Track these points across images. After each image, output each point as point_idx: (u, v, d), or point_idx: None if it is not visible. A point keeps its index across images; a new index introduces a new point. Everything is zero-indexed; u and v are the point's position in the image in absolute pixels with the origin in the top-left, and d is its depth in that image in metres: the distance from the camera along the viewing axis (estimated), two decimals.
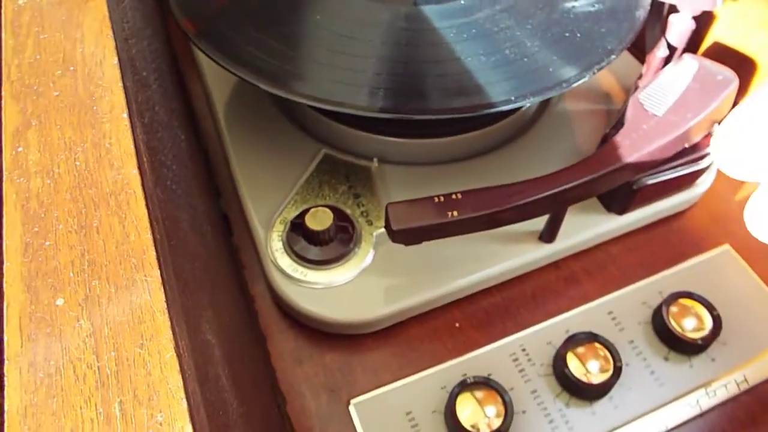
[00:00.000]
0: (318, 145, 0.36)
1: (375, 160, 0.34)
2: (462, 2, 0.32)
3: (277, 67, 0.30)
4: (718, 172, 0.37)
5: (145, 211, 0.16)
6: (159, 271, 0.15)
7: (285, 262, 0.31)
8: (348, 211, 0.33)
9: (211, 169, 0.39)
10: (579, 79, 0.29)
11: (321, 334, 0.31)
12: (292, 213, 0.33)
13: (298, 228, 0.31)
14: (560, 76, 0.29)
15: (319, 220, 0.31)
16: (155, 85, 0.28)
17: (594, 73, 0.29)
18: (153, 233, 0.16)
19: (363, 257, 0.31)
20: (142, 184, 0.17)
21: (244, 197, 0.34)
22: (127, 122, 0.18)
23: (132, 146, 0.18)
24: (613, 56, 0.30)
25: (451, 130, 0.34)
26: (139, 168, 0.17)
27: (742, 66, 0.38)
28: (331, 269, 0.31)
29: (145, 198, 0.17)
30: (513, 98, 0.28)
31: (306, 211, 0.32)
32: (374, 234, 0.32)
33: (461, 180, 0.35)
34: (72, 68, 0.19)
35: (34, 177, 0.17)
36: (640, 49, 0.39)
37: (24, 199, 0.16)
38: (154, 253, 0.15)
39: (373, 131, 0.34)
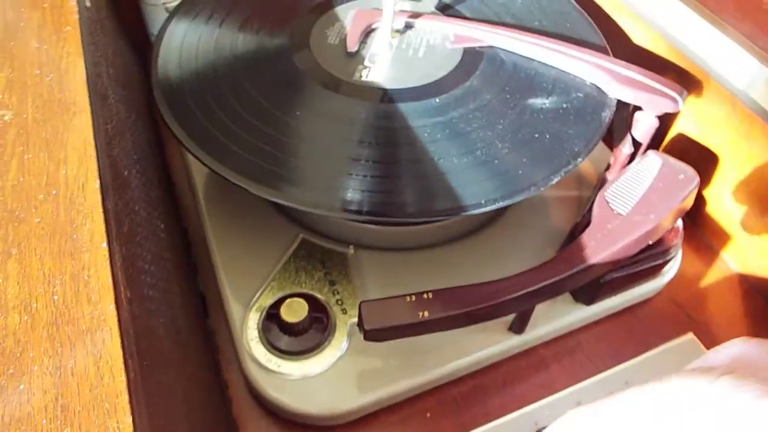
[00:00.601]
0: (296, 229, 0.37)
1: (351, 247, 0.35)
2: (437, 101, 0.34)
3: (252, 164, 0.31)
4: (682, 261, 0.38)
5: (120, 351, 0.17)
6: (131, 418, 0.15)
7: (260, 351, 0.31)
8: (323, 299, 0.33)
9: (189, 246, 0.40)
10: (547, 183, 0.30)
11: (295, 423, 0.32)
12: (268, 300, 0.33)
13: (273, 317, 0.32)
14: (529, 179, 0.30)
15: (294, 311, 0.31)
16: (136, 179, 0.29)
17: (561, 176, 0.31)
18: (127, 373, 0.16)
19: (337, 346, 0.32)
20: (119, 320, 0.17)
21: (222, 283, 0.34)
22: (105, 252, 0.19)
23: (110, 279, 0.18)
24: (579, 159, 0.32)
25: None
26: (116, 301, 0.18)
27: (705, 159, 0.40)
28: (305, 359, 0.31)
29: (121, 335, 0.17)
30: (483, 201, 0.29)
31: (281, 300, 0.32)
32: (348, 323, 0.32)
33: (436, 267, 0.36)
34: (54, 192, 0.20)
35: (11, 312, 0.17)
36: (610, 135, 0.41)
37: (0, 336, 0.17)
38: (127, 398, 0.16)
39: (350, 219, 0.35)
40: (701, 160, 0.40)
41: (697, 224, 0.42)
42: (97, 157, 0.21)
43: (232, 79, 0.34)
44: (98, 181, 0.20)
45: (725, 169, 0.39)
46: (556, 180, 0.31)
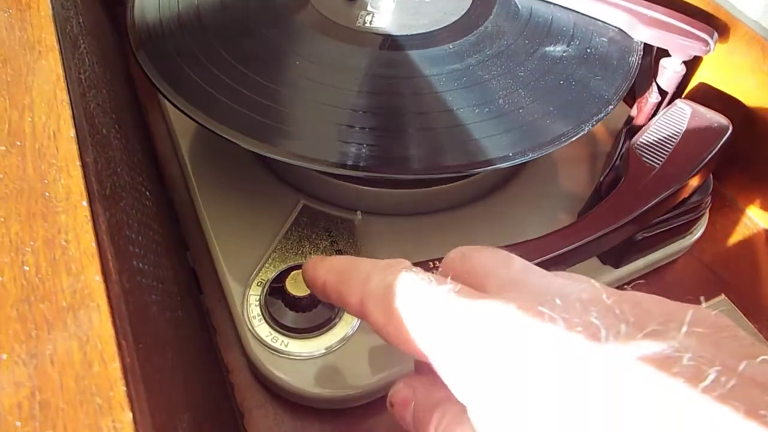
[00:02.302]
0: (296, 194, 0.33)
1: (358, 213, 0.32)
2: (451, 47, 0.30)
3: (243, 116, 0.27)
4: (710, 218, 0.36)
5: (112, 330, 0.13)
6: (131, 415, 0.12)
7: (263, 330, 0.28)
8: None
9: (177, 218, 0.36)
10: (578, 133, 0.27)
11: (304, 407, 0.29)
12: (270, 273, 0.30)
13: (277, 292, 0.29)
14: (558, 129, 0.27)
15: (301, 284, 0.28)
16: (116, 140, 0.26)
17: (593, 125, 0.28)
18: (122, 359, 0.13)
19: (349, 322, 0.29)
20: (107, 294, 0.14)
21: (217, 256, 0.31)
22: (86, 212, 0.15)
23: (94, 243, 0.15)
24: (610, 106, 0.29)
25: (442, 178, 0.32)
26: (103, 271, 0.14)
27: (730, 109, 0.37)
28: (314, 337, 0.28)
29: (111, 311, 0.14)
30: (511, 154, 0.26)
31: (285, 273, 0.29)
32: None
33: (453, 231, 0.33)
34: (19, 143, 0.16)
35: None
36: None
37: None
38: (124, 389, 0.12)
39: (356, 181, 0.32)
40: (725, 110, 0.37)
41: (720, 180, 0.40)
42: (71, 103, 0.18)
43: (220, 24, 0.31)
44: (73, 130, 0.17)
45: (752, 120, 0.37)
46: (587, 129, 0.28)
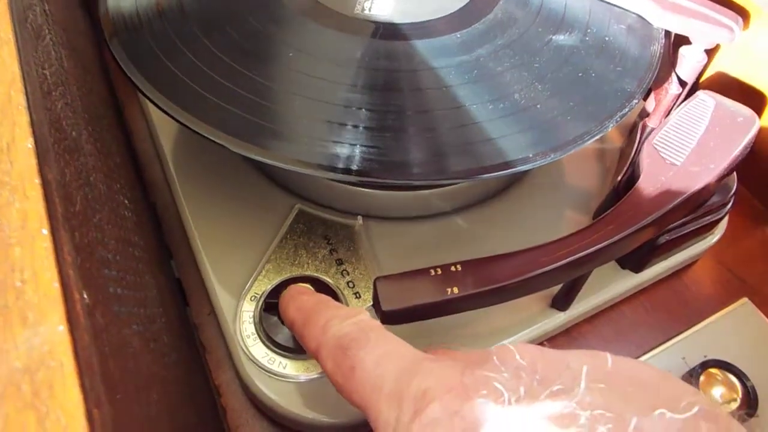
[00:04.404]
0: (291, 198, 0.31)
1: (359, 218, 0.29)
2: (458, 36, 0.28)
3: (231, 116, 0.24)
4: (730, 217, 0.34)
5: (80, 396, 0.11)
6: None
7: (259, 351, 0.26)
8: (331, 282, 0.28)
9: (160, 224, 0.34)
10: (602, 130, 0.25)
11: None
12: (264, 286, 0.27)
13: (272, 307, 0.26)
14: (580, 126, 0.25)
15: None
16: (89, 144, 0.23)
17: (617, 122, 0.25)
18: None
19: None
20: (73, 346, 0.11)
21: (205, 267, 0.28)
22: (48, 242, 0.13)
23: (56, 283, 0.12)
24: (635, 101, 0.26)
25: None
26: (68, 317, 0.12)
27: (750, 101, 0.35)
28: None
29: (78, 371, 0.11)
30: (531, 155, 0.24)
31: (281, 286, 0.26)
32: (364, 309, 0.27)
33: (461, 235, 0.30)
34: None
35: None
36: None
37: None
38: None
39: (357, 184, 0.29)
40: (744, 101, 0.36)
41: (739, 176, 0.38)
42: (29, 108, 0.15)
43: (205, 12, 0.28)
44: (31, 139, 0.14)
45: None
46: (611, 126, 0.25)
